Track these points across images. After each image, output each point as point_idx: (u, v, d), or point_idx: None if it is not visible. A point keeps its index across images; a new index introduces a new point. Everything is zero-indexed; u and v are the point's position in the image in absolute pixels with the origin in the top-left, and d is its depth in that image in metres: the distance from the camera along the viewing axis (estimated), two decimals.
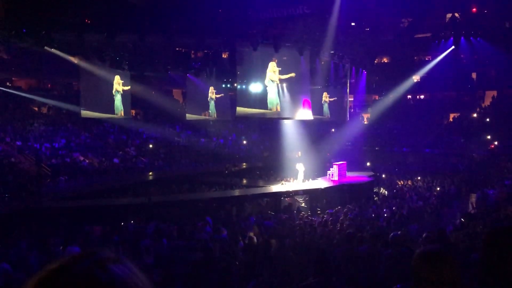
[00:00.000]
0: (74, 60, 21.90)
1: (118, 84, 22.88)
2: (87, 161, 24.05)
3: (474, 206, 15.87)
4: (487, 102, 34.79)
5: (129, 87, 23.43)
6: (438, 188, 23.31)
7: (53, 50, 20.42)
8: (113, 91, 22.73)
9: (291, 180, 22.57)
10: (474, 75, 36.10)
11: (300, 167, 22.01)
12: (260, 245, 9.69)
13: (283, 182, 22.46)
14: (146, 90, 28.33)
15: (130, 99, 23.68)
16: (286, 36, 23.11)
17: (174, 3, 25.17)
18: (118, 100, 22.90)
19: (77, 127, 27.71)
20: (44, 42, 19.51)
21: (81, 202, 17.60)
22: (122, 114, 23.32)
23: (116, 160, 25.23)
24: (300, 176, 21.94)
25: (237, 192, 20.47)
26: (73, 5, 22.63)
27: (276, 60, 22.16)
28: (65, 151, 24.27)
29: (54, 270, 0.87)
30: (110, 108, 22.91)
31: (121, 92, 23.05)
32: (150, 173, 24.55)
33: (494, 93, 34.48)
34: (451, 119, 35.16)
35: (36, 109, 29.76)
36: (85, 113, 21.80)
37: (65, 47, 21.00)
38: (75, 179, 21.39)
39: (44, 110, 29.86)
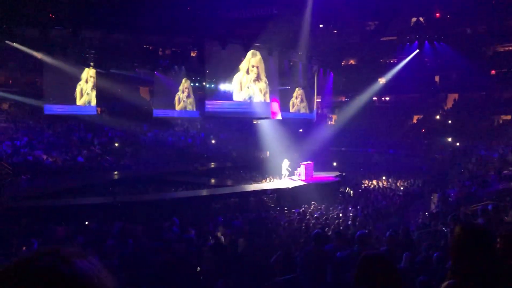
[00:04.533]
0: (38, 55, 21.34)
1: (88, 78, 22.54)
2: (50, 159, 23.41)
3: (436, 205, 16.33)
4: (449, 104, 35.86)
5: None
6: (402, 188, 23.88)
7: (15, 44, 19.84)
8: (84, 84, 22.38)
9: (261, 180, 22.83)
10: (437, 78, 37.14)
11: (285, 163, 22.45)
12: (227, 244, 9.71)
13: (252, 182, 22.60)
14: (112, 87, 27.81)
15: (95, 96, 23.29)
16: (255, 36, 23.18)
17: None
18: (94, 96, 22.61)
19: (40, 125, 26.93)
20: (6, 36, 18.90)
21: (44, 201, 17.11)
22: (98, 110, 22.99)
23: (80, 159, 24.67)
24: (284, 172, 22.37)
25: (205, 192, 20.39)
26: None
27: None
28: (27, 149, 23.56)
29: (18, 264, 0.89)
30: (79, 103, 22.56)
31: (93, 85, 22.74)
32: (116, 172, 24.12)
33: (456, 96, 35.57)
34: (415, 121, 36.07)
35: None
36: (49, 108, 21.30)
37: (28, 42, 20.41)
38: (38, 178, 20.79)
39: (5, 106, 28.86)
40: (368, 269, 2.06)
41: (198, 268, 8.48)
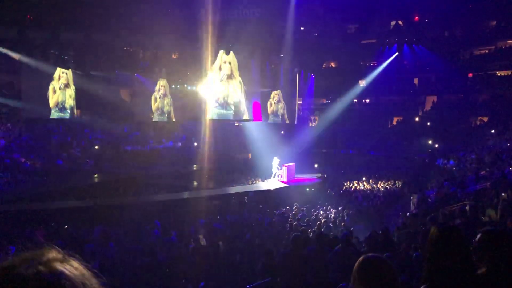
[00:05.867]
0: (16, 56, 20.99)
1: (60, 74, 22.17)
2: (28, 162, 23.01)
3: (415, 206, 16.56)
4: (428, 106, 36.42)
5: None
6: (382, 189, 24.15)
7: None
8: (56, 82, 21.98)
9: (244, 182, 22.86)
10: (416, 81, 37.72)
11: (275, 162, 22.52)
12: (209, 247, 9.70)
13: (234, 184, 22.61)
14: (92, 89, 27.47)
15: (75, 98, 23.00)
16: (237, 39, 23.18)
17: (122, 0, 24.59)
18: (69, 95, 22.20)
19: (18, 127, 26.41)
20: None
21: (23, 205, 16.81)
22: (76, 113, 22.61)
23: (60, 162, 24.30)
24: (275, 170, 22.43)
25: (186, 195, 20.28)
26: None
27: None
28: (4, 152, 23.10)
29: None
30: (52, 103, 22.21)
31: (72, 87, 22.36)
32: (96, 175, 23.81)
33: (434, 98, 36.15)
34: (394, 123, 36.52)
35: None
36: (27, 111, 20.98)
37: (6, 43, 20.06)
38: (16, 181, 20.42)
39: None
40: (370, 272, 2.06)
41: (178, 271, 8.46)
